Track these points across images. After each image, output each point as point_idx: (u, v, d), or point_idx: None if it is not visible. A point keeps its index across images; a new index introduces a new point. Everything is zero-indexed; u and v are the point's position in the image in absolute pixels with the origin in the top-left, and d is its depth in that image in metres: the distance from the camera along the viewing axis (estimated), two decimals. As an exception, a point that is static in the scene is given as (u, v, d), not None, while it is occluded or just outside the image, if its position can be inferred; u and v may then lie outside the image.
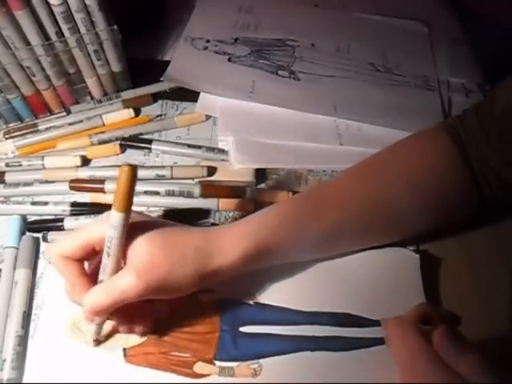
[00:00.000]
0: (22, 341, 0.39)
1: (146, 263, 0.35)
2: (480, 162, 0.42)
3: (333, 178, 0.44)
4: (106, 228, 0.34)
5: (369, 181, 0.42)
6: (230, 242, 0.37)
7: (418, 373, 0.33)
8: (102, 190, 0.48)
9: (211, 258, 0.37)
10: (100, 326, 0.38)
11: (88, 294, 0.35)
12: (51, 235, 0.45)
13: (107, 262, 0.35)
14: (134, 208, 0.35)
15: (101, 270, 0.36)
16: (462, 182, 0.42)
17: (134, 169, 0.32)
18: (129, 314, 0.38)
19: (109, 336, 0.40)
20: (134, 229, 0.35)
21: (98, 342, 0.39)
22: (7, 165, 0.50)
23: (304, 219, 0.40)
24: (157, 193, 0.48)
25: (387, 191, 0.42)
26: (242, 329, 0.40)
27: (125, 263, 0.36)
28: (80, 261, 0.37)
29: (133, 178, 0.32)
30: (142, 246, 0.35)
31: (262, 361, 0.39)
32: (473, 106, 0.44)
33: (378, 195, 0.42)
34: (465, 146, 0.42)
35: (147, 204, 0.47)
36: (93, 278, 0.37)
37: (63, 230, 0.46)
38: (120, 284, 0.34)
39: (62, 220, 0.46)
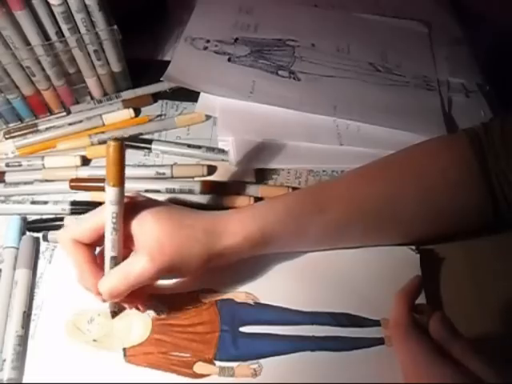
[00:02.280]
0: (22, 341, 0.39)
1: (156, 246, 0.36)
2: (499, 174, 0.41)
3: (342, 174, 0.44)
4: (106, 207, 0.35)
5: (378, 179, 0.42)
6: (237, 224, 0.39)
7: (424, 374, 0.33)
8: (102, 189, 0.48)
9: (218, 239, 0.38)
10: (116, 304, 0.40)
11: (104, 280, 0.37)
12: (52, 234, 0.45)
13: (115, 238, 0.36)
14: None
15: (108, 246, 0.36)
16: (476, 191, 0.41)
17: (121, 143, 0.33)
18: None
19: (108, 336, 0.40)
20: (141, 212, 0.37)
21: (115, 313, 0.40)
22: (7, 165, 0.50)
23: (310, 210, 0.40)
24: (157, 191, 0.48)
25: (395, 191, 0.41)
26: (241, 329, 0.40)
27: (132, 243, 0.37)
28: (90, 246, 0.38)
29: (121, 153, 0.34)
30: (151, 230, 0.36)
31: (262, 361, 0.39)
32: (499, 118, 0.43)
33: (385, 194, 0.41)
34: (484, 155, 0.41)
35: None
36: (102, 264, 0.38)
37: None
38: (135, 268, 0.36)
39: (61, 219, 0.46)
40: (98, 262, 0.38)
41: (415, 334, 0.35)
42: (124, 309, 0.41)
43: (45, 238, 0.45)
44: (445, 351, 0.33)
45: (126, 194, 0.36)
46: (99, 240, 0.37)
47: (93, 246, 0.38)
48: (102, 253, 0.38)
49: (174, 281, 0.42)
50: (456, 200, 0.42)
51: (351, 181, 0.43)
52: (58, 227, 0.46)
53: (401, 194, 0.41)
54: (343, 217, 0.41)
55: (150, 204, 0.38)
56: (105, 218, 0.36)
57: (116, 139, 0.33)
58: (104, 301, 0.38)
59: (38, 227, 0.46)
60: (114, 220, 0.35)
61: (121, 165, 0.34)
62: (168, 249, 0.36)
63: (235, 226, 0.39)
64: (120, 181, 0.35)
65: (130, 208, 0.37)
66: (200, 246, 0.37)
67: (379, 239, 0.43)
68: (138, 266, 0.36)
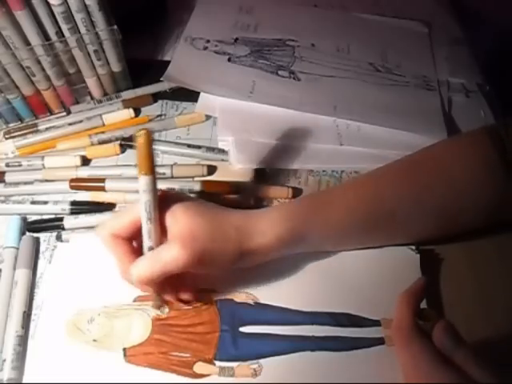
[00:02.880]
0: (22, 341, 0.39)
1: (188, 235, 0.36)
2: None
3: (367, 173, 0.44)
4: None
5: (404, 179, 0.42)
6: (267, 224, 0.39)
7: (426, 379, 0.33)
8: (102, 189, 0.48)
9: (250, 238, 0.38)
10: (159, 295, 0.39)
11: (135, 265, 0.36)
12: (66, 234, 0.45)
13: (151, 227, 0.36)
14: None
15: (145, 236, 0.36)
16: (499, 187, 0.41)
17: (149, 132, 0.34)
18: (173, 283, 0.39)
19: (108, 336, 0.40)
20: (174, 203, 0.37)
21: (159, 306, 0.40)
22: (7, 165, 0.50)
23: (338, 211, 0.41)
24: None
25: (422, 190, 0.42)
26: (241, 329, 0.40)
27: (166, 236, 0.37)
28: (129, 240, 0.38)
29: (151, 141, 0.34)
30: (184, 220, 0.37)
31: (262, 361, 0.39)
32: None
33: (412, 194, 0.42)
34: (506, 152, 0.41)
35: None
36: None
37: (63, 229, 0.46)
38: (166, 255, 0.36)
39: (61, 219, 0.46)
40: (139, 254, 0.38)
41: (418, 338, 0.35)
42: (164, 302, 0.41)
43: (59, 238, 0.45)
44: (447, 357, 0.33)
45: (158, 188, 0.37)
46: (137, 233, 0.37)
47: (131, 239, 0.38)
48: (140, 245, 0.38)
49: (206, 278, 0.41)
50: (479, 195, 0.42)
51: (378, 181, 0.43)
52: (58, 227, 0.46)
53: (428, 194, 0.42)
54: (371, 217, 0.41)
55: (182, 198, 0.39)
56: (140, 210, 0.36)
57: (143, 129, 0.34)
58: (141, 290, 0.39)
59: (38, 227, 0.46)
60: (149, 209, 0.35)
61: (151, 153, 0.34)
62: (200, 237, 0.36)
63: (266, 225, 0.39)
64: (151, 169, 0.35)
65: (163, 201, 0.37)
66: (231, 242, 0.38)
67: (406, 238, 0.44)
68: (169, 253, 0.36)
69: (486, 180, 0.42)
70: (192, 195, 0.42)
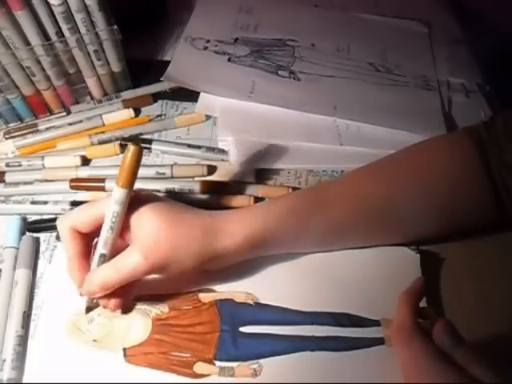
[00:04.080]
0: (22, 341, 0.39)
1: (152, 242, 0.36)
2: (502, 171, 0.40)
3: (344, 174, 0.43)
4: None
5: (380, 178, 0.42)
6: (236, 224, 0.38)
7: (427, 379, 0.33)
8: (102, 189, 0.48)
9: (216, 239, 0.37)
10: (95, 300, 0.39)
11: (97, 272, 0.36)
12: None
13: (110, 236, 0.36)
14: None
15: (101, 243, 0.37)
16: (479, 188, 0.41)
17: (140, 148, 0.34)
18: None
19: (108, 336, 0.40)
20: (141, 206, 0.37)
21: (89, 308, 0.40)
22: (7, 165, 0.50)
23: (311, 211, 0.40)
24: (157, 191, 0.48)
25: (398, 190, 0.41)
26: (241, 329, 0.40)
27: (128, 239, 0.37)
28: (86, 237, 0.38)
29: (139, 158, 0.34)
30: (148, 224, 0.36)
31: (262, 361, 0.39)
32: (500, 115, 0.43)
33: (388, 193, 0.41)
34: (487, 153, 0.41)
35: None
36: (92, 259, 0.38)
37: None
38: (128, 263, 0.36)
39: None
40: (89, 256, 0.38)
41: (419, 338, 0.35)
42: (98, 305, 0.40)
43: (59, 238, 0.45)
44: (448, 356, 0.33)
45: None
46: (96, 231, 0.37)
47: (89, 237, 0.38)
48: (95, 247, 0.38)
49: (168, 281, 0.41)
50: (459, 198, 0.41)
51: (353, 180, 0.43)
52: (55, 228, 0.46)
53: (403, 194, 0.41)
54: (345, 216, 0.41)
55: (151, 199, 0.38)
56: (105, 214, 0.36)
57: (136, 143, 0.34)
58: (81, 295, 0.38)
59: (38, 227, 0.46)
60: (114, 220, 0.36)
61: (135, 168, 0.35)
62: (163, 247, 0.36)
63: (235, 226, 0.38)
64: (130, 183, 0.35)
65: (132, 201, 0.37)
66: (197, 245, 0.37)
67: (382, 239, 0.43)
68: (131, 261, 0.36)
69: (464, 180, 0.41)
70: (156, 195, 0.41)
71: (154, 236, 0.36)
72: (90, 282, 0.37)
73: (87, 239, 0.38)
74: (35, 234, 0.46)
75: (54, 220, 0.46)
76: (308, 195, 0.42)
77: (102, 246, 0.37)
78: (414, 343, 0.35)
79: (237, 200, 0.47)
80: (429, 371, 0.33)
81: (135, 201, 0.37)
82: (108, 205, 0.35)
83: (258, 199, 0.48)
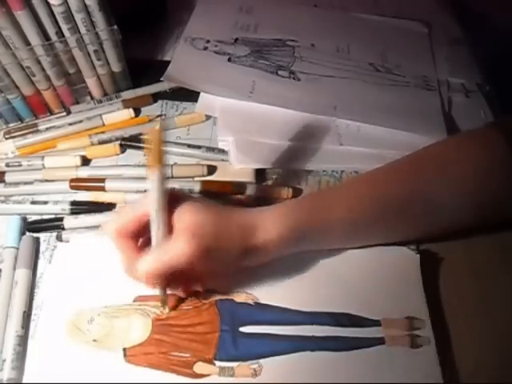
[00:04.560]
0: (22, 341, 0.39)
1: (194, 231, 0.36)
2: None
3: (368, 172, 0.44)
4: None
5: (411, 173, 0.42)
6: (270, 221, 0.39)
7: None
8: (102, 189, 0.48)
9: (254, 235, 0.38)
10: (164, 292, 0.39)
11: (141, 261, 0.36)
12: (65, 234, 0.45)
13: (160, 220, 0.36)
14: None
15: (154, 228, 0.36)
16: (509, 180, 0.41)
17: (161, 127, 0.35)
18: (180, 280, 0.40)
19: (108, 336, 0.40)
20: (179, 203, 0.37)
21: (165, 301, 0.40)
22: (7, 165, 0.50)
23: (337, 209, 0.41)
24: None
25: (426, 186, 0.41)
26: (241, 329, 0.40)
27: (172, 232, 0.37)
28: (134, 237, 0.38)
29: (161, 136, 0.35)
30: (189, 216, 0.37)
31: (262, 361, 0.39)
32: None
33: (420, 188, 0.41)
34: None
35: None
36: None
37: (63, 229, 0.46)
38: (171, 250, 0.36)
39: (61, 219, 0.46)
40: (143, 252, 0.38)
41: None
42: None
43: (59, 237, 0.45)
44: None
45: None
46: (142, 230, 0.37)
47: (137, 236, 0.38)
48: (145, 241, 0.38)
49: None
50: (489, 191, 0.41)
51: (379, 178, 0.43)
52: (58, 227, 0.46)
53: (432, 186, 0.41)
54: (371, 216, 0.41)
55: (186, 197, 0.39)
56: (149, 199, 0.36)
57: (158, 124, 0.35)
58: (150, 287, 0.38)
59: (38, 227, 0.46)
60: (160, 201, 0.36)
61: (162, 148, 0.35)
62: (205, 234, 0.37)
63: (268, 223, 0.39)
64: (163, 162, 0.36)
65: (169, 200, 0.37)
66: (236, 239, 0.38)
67: (404, 235, 0.44)
68: (174, 247, 0.36)
69: (495, 172, 0.41)
70: (193, 195, 0.42)
71: (196, 225, 0.36)
72: (137, 271, 0.37)
73: (135, 239, 0.38)
74: (35, 234, 0.46)
75: (54, 220, 0.46)
76: (333, 195, 0.43)
77: (155, 230, 0.37)
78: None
79: (275, 190, 0.49)
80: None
81: (173, 199, 0.37)
82: (149, 193, 0.36)
83: (259, 198, 0.48)
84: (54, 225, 0.46)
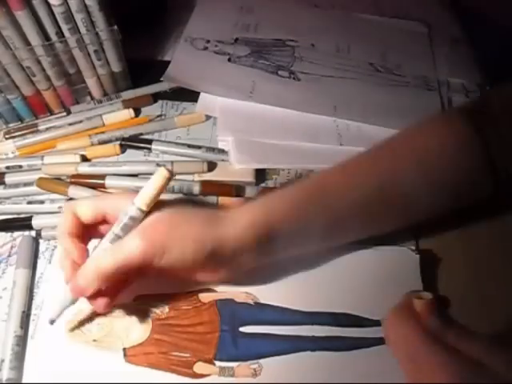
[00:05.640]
0: (21, 341, 0.39)
1: (149, 223, 0.35)
2: (500, 143, 0.40)
3: (343, 161, 0.42)
4: (123, 205, 0.35)
5: (378, 162, 0.42)
6: (238, 212, 0.38)
7: (415, 355, 0.33)
8: (102, 186, 0.48)
9: (217, 226, 0.36)
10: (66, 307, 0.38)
11: (92, 257, 0.36)
12: (46, 232, 0.45)
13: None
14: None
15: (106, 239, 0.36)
16: (476, 163, 0.41)
17: (170, 174, 0.35)
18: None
19: (108, 336, 0.40)
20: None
21: (52, 321, 0.38)
22: (7, 167, 0.50)
23: (312, 203, 0.39)
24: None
25: (397, 171, 0.41)
26: (241, 329, 0.40)
27: None
28: (83, 229, 0.37)
29: (167, 182, 0.35)
30: (149, 215, 0.36)
31: (262, 361, 0.39)
32: (495, 89, 0.43)
33: (388, 175, 0.41)
34: (483, 127, 0.41)
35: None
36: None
37: (31, 228, 0.46)
38: (124, 246, 0.35)
39: (30, 219, 0.46)
40: (84, 254, 0.37)
41: (410, 318, 0.35)
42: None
43: (39, 235, 0.45)
44: (439, 339, 0.33)
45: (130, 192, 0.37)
46: (95, 227, 0.37)
47: (86, 231, 0.38)
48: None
49: (168, 277, 0.39)
50: (458, 175, 0.41)
51: (352, 168, 0.42)
52: (27, 227, 0.46)
53: (400, 173, 0.41)
54: (347, 206, 0.40)
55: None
56: (113, 207, 0.36)
57: (169, 170, 0.35)
58: (77, 294, 0.36)
59: (5, 226, 0.46)
60: (122, 231, 0.36)
61: (159, 195, 0.35)
62: (160, 227, 0.35)
63: (237, 213, 0.37)
64: (149, 208, 0.35)
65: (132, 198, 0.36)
66: (197, 231, 0.36)
67: (387, 224, 0.43)
68: (127, 244, 0.35)
69: (460, 156, 0.41)
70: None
71: (152, 219, 0.35)
72: (85, 270, 0.35)
73: (84, 231, 0.38)
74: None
75: (23, 219, 0.46)
76: (308, 185, 0.41)
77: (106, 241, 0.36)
78: (403, 325, 0.34)
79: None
80: (419, 352, 0.33)
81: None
82: (121, 214, 0.35)
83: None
84: (21, 224, 0.46)
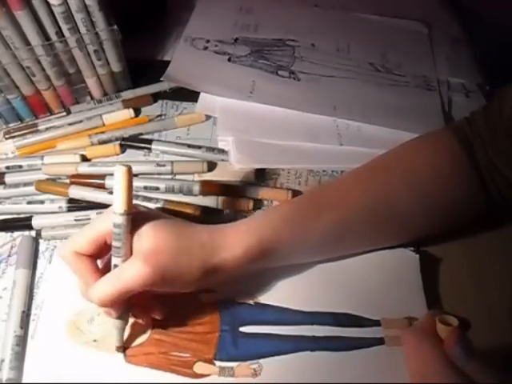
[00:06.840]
0: (21, 341, 0.39)
1: (151, 250, 0.35)
2: (488, 163, 0.41)
3: (335, 179, 0.43)
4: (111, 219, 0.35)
5: (371, 182, 0.42)
6: (234, 238, 0.38)
7: (433, 378, 0.33)
8: (102, 186, 0.48)
9: (215, 253, 0.37)
10: (121, 330, 0.38)
11: (94, 286, 0.35)
12: (45, 231, 0.45)
13: (119, 259, 0.35)
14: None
15: (114, 253, 0.36)
16: (468, 183, 0.42)
17: (130, 168, 0.34)
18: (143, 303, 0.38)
19: (109, 336, 0.40)
20: (139, 220, 0.36)
21: (123, 348, 0.39)
22: (7, 167, 0.50)
23: (306, 220, 0.40)
24: (157, 188, 0.48)
25: (390, 192, 0.41)
26: (241, 329, 0.40)
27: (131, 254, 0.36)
28: (93, 258, 0.37)
29: (130, 177, 0.34)
30: (147, 235, 0.35)
31: (262, 361, 0.39)
32: (481, 108, 0.44)
33: (381, 196, 0.41)
34: (472, 147, 0.42)
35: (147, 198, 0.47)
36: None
37: (31, 228, 0.46)
38: (126, 272, 0.35)
39: (29, 219, 0.46)
40: (102, 273, 0.36)
41: (430, 340, 0.34)
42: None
43: (38, 235, 0.45)
44: (458, 367, 0.33)
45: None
46: (100, 251, 0.37)
47: (94, 257, 0.37)
48: (106, 263, 0.37)
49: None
50: (449, 195, 0.42)
51: (344, 184, 0.43)
52: (27, 226, 0.46)
53: (393, 194, 0.41)
54: (340, 220, 0.40)
55: (148, 215, 0.37)
56: (107, 228, 0.35)
57: (125, 165, 0.34)
58: (109, 315, 0.37)
59: (4, 226, 0.46)
60: (119, 243, 0.35)
61: (130, 191, 0.34)
62: (164, 254, 0.35)
63: (232, 241, 0.38)
64: (129, 207, 0.35)
65: (132, 219, 0.36)
66: (198, 258, 0.36)
67: (380, 242, 0.43)
68: (130, 270, 0.35)
69: (452, 177, 0.42)
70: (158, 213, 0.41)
71: (153, 245, 0.35)
72: (90, 296, 0.35)
73: (93, 260, 0.37)
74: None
75: (22, 219, 0.46)
76: (300, 203, 0.42)
77: (112, 267, 0.36)
78: (424, 345, 0.34)
79: (275, 193, 0.48)
80: (437, 375, 0.33)
81: (135, 218, 0.36)
82: (113, 220, 0.35)
83: (256, 201, 0.48)
84: (22, 224, 0.46)
